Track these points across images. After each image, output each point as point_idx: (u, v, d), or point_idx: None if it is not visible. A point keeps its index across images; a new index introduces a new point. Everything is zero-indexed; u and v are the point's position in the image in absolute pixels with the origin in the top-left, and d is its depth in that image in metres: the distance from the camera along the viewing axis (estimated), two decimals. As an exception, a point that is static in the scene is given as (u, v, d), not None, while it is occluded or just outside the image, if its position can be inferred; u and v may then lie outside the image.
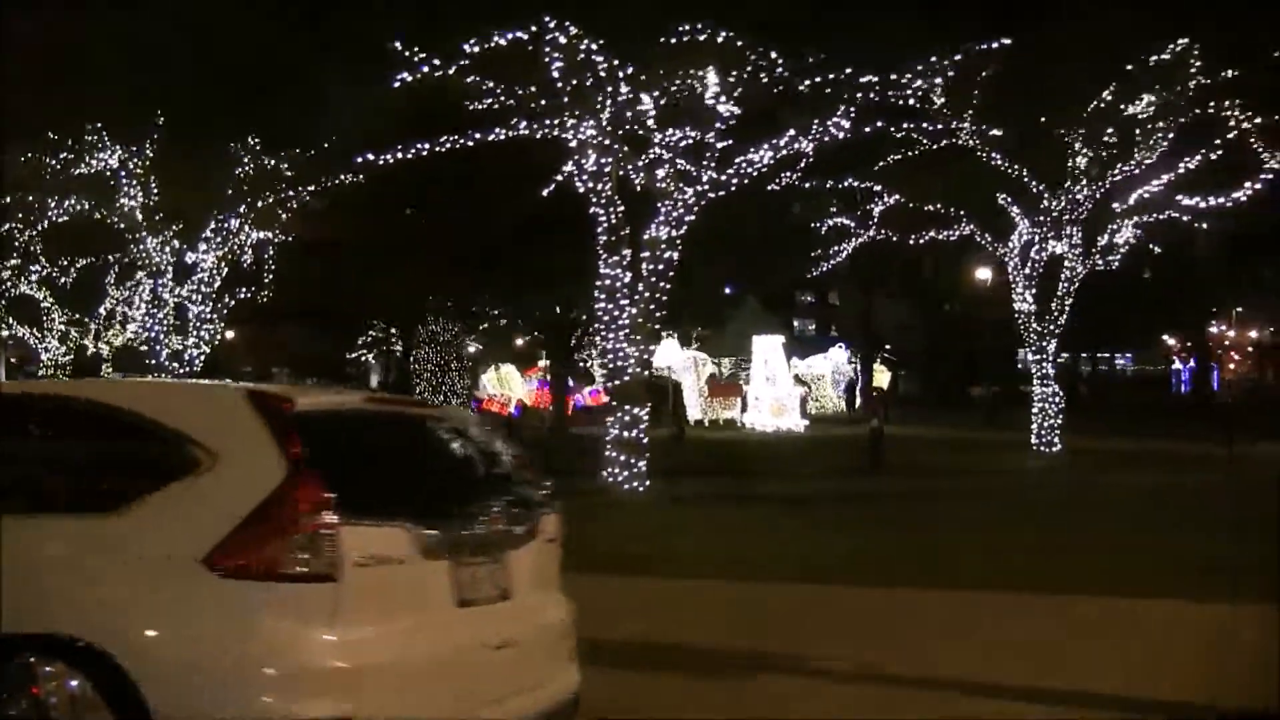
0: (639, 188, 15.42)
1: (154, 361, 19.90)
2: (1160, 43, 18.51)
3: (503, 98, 14.93)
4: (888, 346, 55.63)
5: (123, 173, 19.34)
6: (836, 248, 23.38)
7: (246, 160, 19.13)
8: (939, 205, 21.89)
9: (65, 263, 26.07)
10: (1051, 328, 21.81)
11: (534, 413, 36.05)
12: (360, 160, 15.53)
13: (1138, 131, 19.83)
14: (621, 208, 15.16)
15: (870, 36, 15.74)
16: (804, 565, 9.33)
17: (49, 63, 18.17)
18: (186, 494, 4.26)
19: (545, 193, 18.01)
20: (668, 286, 15.49)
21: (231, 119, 18.61)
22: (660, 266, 15.29)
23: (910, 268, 45.64)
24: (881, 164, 20.77)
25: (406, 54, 14.45)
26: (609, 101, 14.62)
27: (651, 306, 15.47)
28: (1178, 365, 53.35)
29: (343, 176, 20.08)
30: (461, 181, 21.68)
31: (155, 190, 19.52)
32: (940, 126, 19.29)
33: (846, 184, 21.74)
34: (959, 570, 9.00)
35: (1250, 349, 45.44)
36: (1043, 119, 19.94)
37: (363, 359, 46.12)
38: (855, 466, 19.14)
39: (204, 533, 4.11)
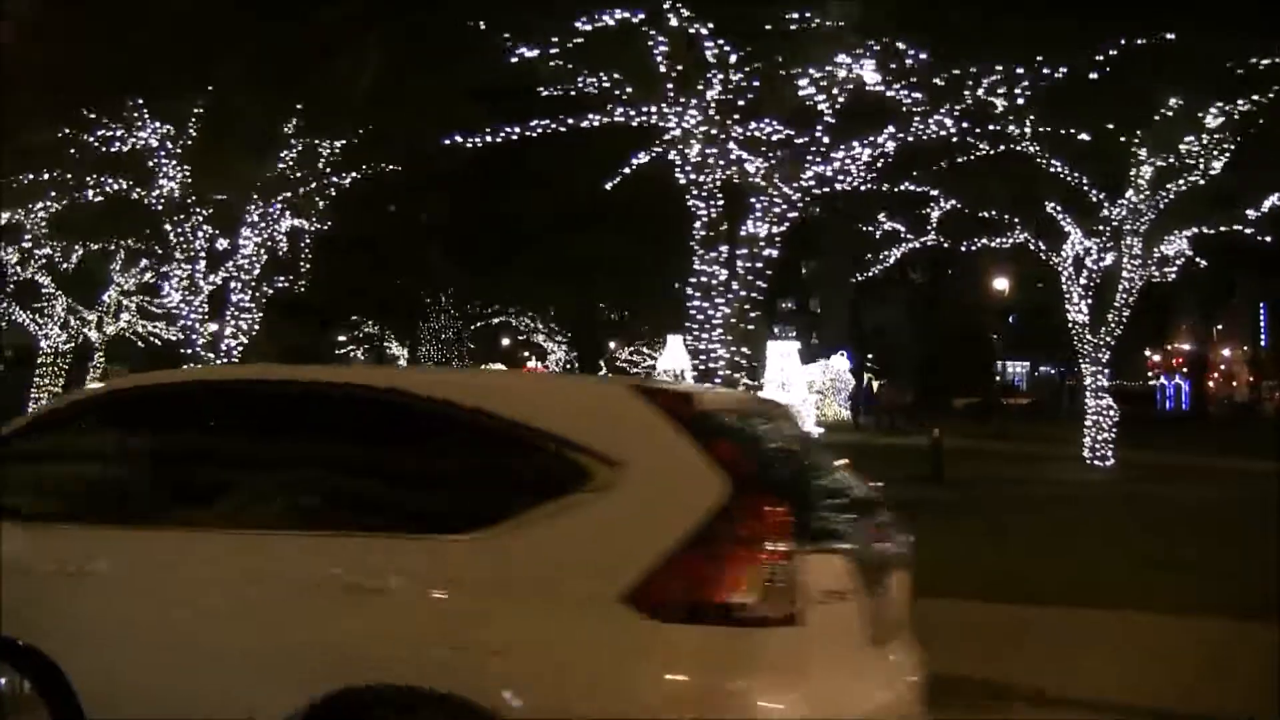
0: (733, 180, 14.77)
1: (190, 351, 18.82)
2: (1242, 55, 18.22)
3: (600, 83, 14.27)
4: (869, 355, 55.57)
5: (162, 151, 18.27)
6: (885, 253, 22.90)
7: (294, 141, 18.17)
8: (995, 212, 21.50)
9: (79, 247, 24.78)
10: (1107, 339, 21.49)
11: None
12: (449, 142, 14.68)
13: (1205, 140, 19.56)
14: (721, 201, 14.51)
15: (978, 34, 15.20)
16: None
17: (87, 33, 17.15)
18: (580, 512, 3.49)
19: (609, 185, 17.46)
20: (764, 285, 14.89)
21: (283, 96, 17.66)
22: (759, 264, 14.67)
23: (899, 272, 45.34)
24: (937, 167, 20.30)
25: (505, 37, 13.78)
26: (717, 89, 13.97)
27: (746, 306, 14.85)
28: (1162, 381, 53.85)
29: (384, 165, 19.41)
30: (508, 172, 20.95)
31: (187, 172, 18.47)
32: (1001, 129, 18.86)
33: (901, 187, 21.23)
34: (1102, 586, 8.51)
35: (1243, 364, 45.92)
36: (1109, 126, 19.60)
37: (351, 355, 44.86)
38: (915, 476, 18.64)
39: (617, 561, 3.37)
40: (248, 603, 3.76)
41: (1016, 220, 21.76)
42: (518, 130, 14.67)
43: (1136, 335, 57.36)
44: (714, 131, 14.04)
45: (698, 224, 14.64)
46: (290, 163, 18.42)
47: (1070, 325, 22.01)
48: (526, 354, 53.32)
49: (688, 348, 15.20)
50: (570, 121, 14.63)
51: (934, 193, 21.35)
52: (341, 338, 49.36)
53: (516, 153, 18.33)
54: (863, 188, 19.83)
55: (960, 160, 19.80)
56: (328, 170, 18.63)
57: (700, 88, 13.98)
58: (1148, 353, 55.59)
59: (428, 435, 3.94)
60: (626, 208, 20.68)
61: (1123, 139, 19.74)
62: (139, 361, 39.37)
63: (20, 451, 4.65)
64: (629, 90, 14.27)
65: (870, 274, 23.49)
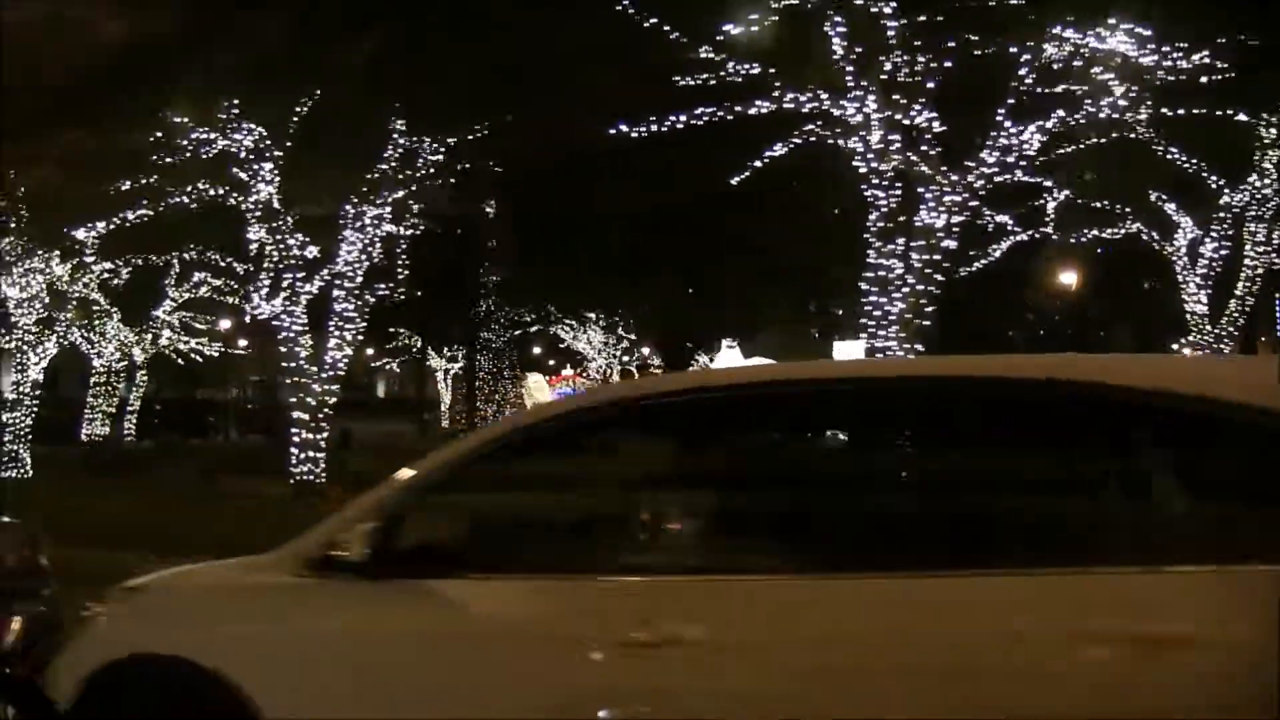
0: (909, 168, 13.93)
1: (293, 365, 17.77)
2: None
3: (769, 70, 13.43)
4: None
5: (257, 155, 17.27)
6: (993, 247, 22.06)
7: (400, 140, 17.21)
8: (1108, 202, 20.76)
9: (139, 261, 23.66)
10: (1231, 330, 20.79)
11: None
12: (614, 131, 13.74)
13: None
14: (899, 191, 13.66)
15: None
16: None
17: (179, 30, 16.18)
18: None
19: (735, 181, 16.57)
20: (941, 279, 14.05)
21: (391, 92, 16.72)
22: (936, 257, 13.83)
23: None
24: (1052, 155, 19.52)
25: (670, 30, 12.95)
26: (901, 72, 13.14)
27: (922, 301, 14.00)
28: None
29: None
30: (607, 168, 20.08)
31: (277, 174, 17.48)
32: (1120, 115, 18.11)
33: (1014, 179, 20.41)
34: None
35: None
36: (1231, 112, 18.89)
37: (386, 367, 43.69)
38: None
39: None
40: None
41: (1128, 210, 21.01)
42: (683, 119, 13.75)
43: (1153, 332, 57.33)
44: (898, 116, 13.19)
45: (874, 214, 13.81)
46: (395, 162, 17.45)
47: (1189, 316, 21.28)
48: (552, 362, 52.19)
49: (866, 346, 14.29)
50: (738, 109, 13.72)
51: (1048, 183, 20.53)
52: (369, 350, 48.28)
53: (620, 148, 17.47)
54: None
55: (1070, 148, 19.10)
56: (430, 169, 17.66)
57: (882, 68, 13.14)
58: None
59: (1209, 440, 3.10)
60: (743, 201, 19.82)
61: (1248, 120, 19.07)
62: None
63: (451, 487, 3.77)
64: (792, 76, 13.43)
65: (973, 269, 22.62)
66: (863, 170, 13.54)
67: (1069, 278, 32.79)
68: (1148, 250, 21.96)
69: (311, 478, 17.36)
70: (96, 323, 26.23)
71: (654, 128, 13.73)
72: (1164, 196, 20.59)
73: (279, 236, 17.62)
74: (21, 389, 22.93)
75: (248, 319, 27.70)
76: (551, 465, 3.85)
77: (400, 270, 18.85)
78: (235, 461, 25.46)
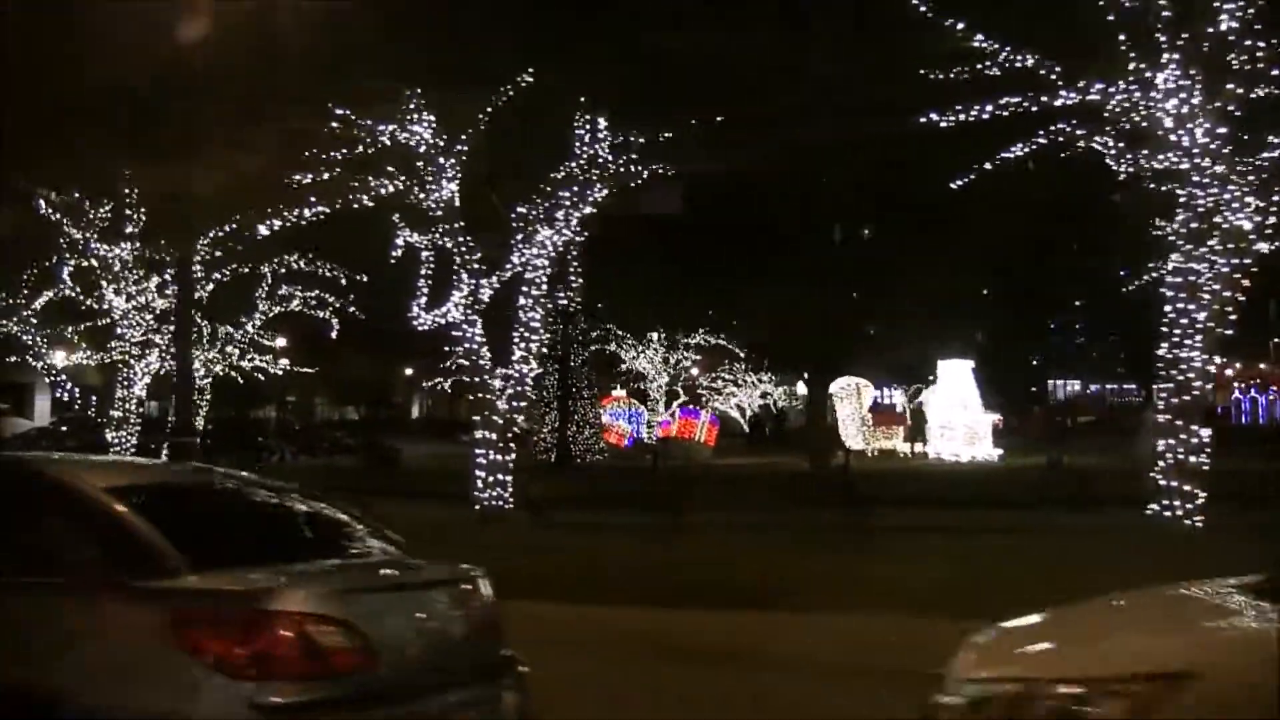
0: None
1: (477, 379, 16.32)
2: None
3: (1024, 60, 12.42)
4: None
5: (441, 150, 15.93)
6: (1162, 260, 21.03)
7: (590, 135, 15.93)
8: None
9: (233, 271, 22.13)
10: None
11: (680, 445, 32.86)
12: (924, 119, 12.58)
13: None
14: (1215, 189, 12.56)
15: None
16: None
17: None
18: None
19: (958, 183, 15.44)
20: (1248, 285, 12.96)
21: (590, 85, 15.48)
22: (1245, 260, 12.75)
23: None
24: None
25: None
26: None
27: (1227, 309, 12.92)
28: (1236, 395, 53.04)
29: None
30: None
31: (459, 173, 16.16)
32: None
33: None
34: None
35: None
36: None
37: (438, 387, 41.92)
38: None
39: None
40: None
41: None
42: (974, 111, 12.60)
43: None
44: (1228, 106, 12.12)
45: (1181, 216, 12.73)
46: (588, 159, 16.13)
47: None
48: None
49: (1166, 358, 13.09)
50: (1043, 99, 12.62)
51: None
52: (409, 370, 46.66)
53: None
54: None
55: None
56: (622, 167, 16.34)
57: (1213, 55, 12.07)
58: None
59: None
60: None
61: None
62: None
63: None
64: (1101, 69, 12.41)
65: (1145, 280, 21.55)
66: (1184, 167, 12.45)
67: None
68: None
69: (500, 504, 15.89)
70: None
71: (962, 116, 12.56)
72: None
73: (457, 240, 16.20)
74: (127, 406, 21.33)
75: (333, 333, 26.42)
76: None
77: (574, 277, 17.50)
78: (337, 483, 23.82)
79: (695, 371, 46.03)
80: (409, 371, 45.53)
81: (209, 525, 5.38)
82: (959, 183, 15.04)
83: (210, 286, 22.71)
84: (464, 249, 16.25)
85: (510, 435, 16.29)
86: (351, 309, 24.42)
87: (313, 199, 16.09)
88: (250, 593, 4.50)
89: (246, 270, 22.86)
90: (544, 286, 16.62)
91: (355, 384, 44.32)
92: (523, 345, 16.54)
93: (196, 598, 4.49)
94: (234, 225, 17.62)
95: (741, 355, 41.80)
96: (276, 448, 35.58)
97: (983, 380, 31.00)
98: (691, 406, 38.25)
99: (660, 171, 16.37)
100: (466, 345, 16.41)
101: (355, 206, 15.95)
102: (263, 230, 16.43)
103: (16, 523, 5.08)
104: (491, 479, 16.01)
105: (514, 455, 16.33)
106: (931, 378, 43.51)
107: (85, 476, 5.43)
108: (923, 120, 12.66)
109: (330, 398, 46.98)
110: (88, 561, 4.73)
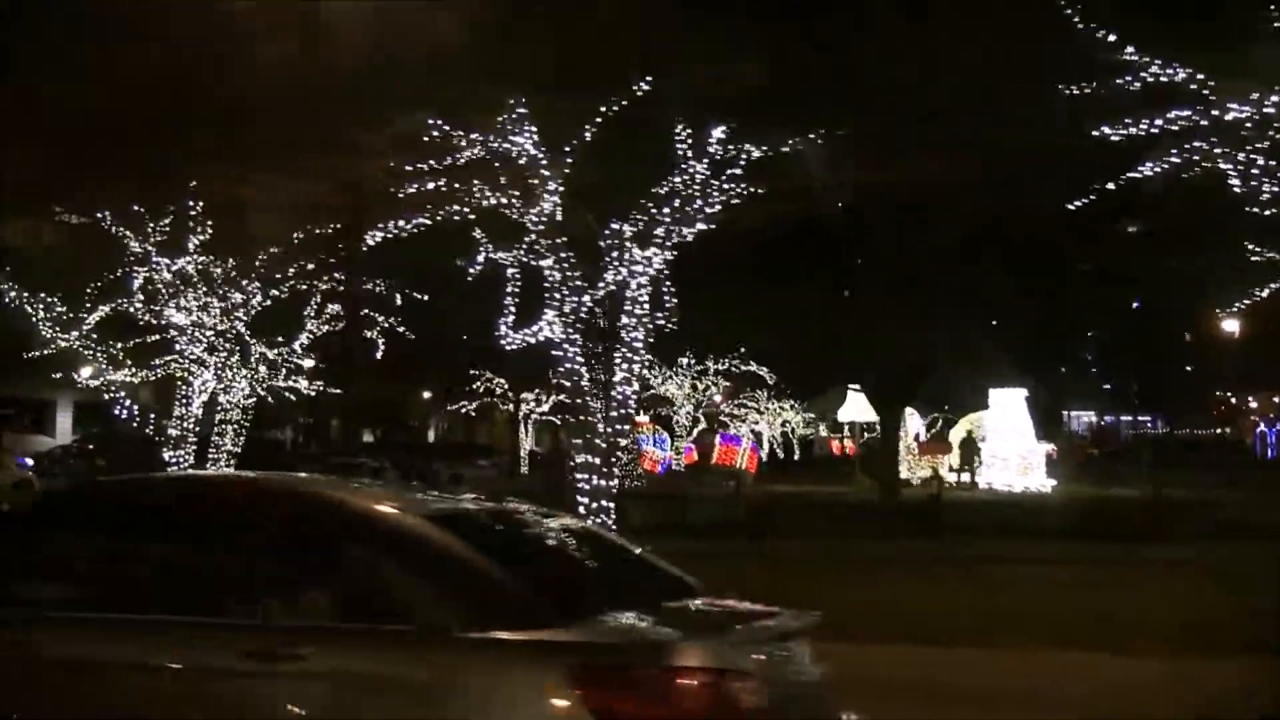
0: None
1: (579, 401, 15.64)
2: None
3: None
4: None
5: (545, 161, 15.32)
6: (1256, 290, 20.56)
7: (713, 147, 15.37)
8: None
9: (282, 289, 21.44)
10: None
11: (721, 471, 32.17)
12: (1096, 133, 12.04)
13: None
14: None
15: None
16: None
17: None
18: None
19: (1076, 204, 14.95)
20: None
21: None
22: None
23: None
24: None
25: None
26: None
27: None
28: (1262, 429, 52.86)
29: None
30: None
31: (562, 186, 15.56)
32: None
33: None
34: None
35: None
36: None
37: (465, 411, 41.17)
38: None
39: None
40: None
41: None
42: (1143, 124, 12.09)
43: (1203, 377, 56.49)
44: None
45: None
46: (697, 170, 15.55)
47: None
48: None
49: None
50: (1214, 113, 12.10)
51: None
52: (426, 394, 45.89)
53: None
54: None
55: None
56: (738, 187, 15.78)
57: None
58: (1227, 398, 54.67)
59: None
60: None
61: None
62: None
63: None
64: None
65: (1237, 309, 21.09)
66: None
67: None
68: None
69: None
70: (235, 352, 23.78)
71: (1133, 129, 12.04)
72: None
73: (560, 256, 15.57)
74: (186, 424, 20.57)
75: (377, 353, 25.71)
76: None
77: (669, 296, 16.86)
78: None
79: (718, 398, 45.49)
80: (427, 394, 44.68)
81: (536, 563, 4.76)
82: (1076, 204, 14.66)
83: (267, 302, 22.07)
84: (566, 265, 15.61)
85: (614, 459, 15.63)
86: (401, 328, 23.80)
87: (411, 211, 15.47)
88: (662, 646, 3.91)
89: (304, 287, 22.18)
90: (646, 306, 16.00)
91: (374, 406, 43.47)
92: (625, 366, 15.87)
93: (600, 653, 3.87)
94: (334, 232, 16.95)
95: (770, 382, 41.30)
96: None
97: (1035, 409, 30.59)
98: (734, 433, 37.65)
99: (755, 193, 15.88)
100: (567, 365, 15.73)
101: (457, 219, 15.33)
102: (369, 241, 15.74)
103: (313, 562, 4.40)
104: (595, 505, 15.33)
105: (616, 481, 15.67)
106: (947, 407, 43.16)
107: (403, 506, 4.79)
108: (1095, 134, 12.10)
109: (346, 419, 46.03)
110: (429, 606, 4.07)
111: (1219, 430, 57.00)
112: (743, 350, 38.98)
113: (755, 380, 41.56)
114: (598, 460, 15.45)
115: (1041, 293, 30.33)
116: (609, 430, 15.66)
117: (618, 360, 15.92)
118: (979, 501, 24.90)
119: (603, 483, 15.40)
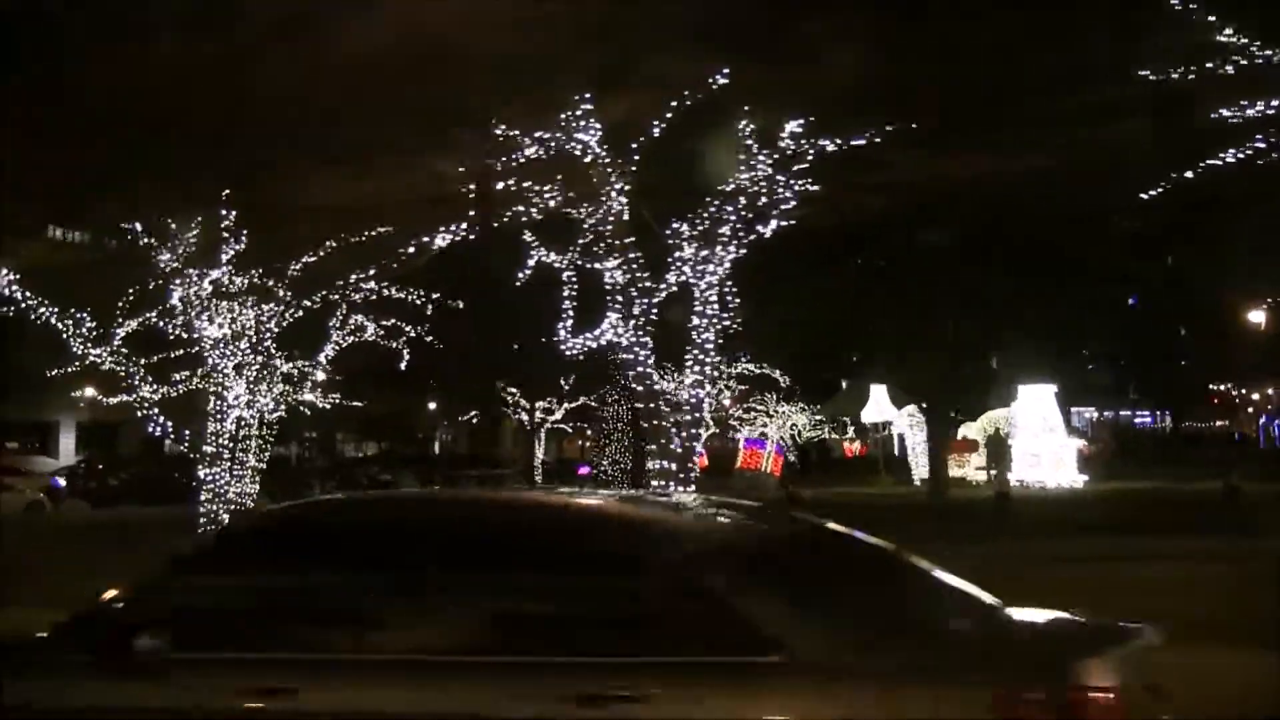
0: None
1: (650, 405, 15.12)
2: None
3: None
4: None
5: (607, 161, 14.86)
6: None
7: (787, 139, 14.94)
8: None
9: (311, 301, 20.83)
10: None
11: (746, 476, 31.72)
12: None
13: None
14: None
15: None
16: None
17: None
18: None
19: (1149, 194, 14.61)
20: None
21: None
22: None
23: None
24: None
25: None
26: None
27: None
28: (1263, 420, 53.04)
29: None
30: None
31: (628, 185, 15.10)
32: None
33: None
34: None
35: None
36: None
37: (474, 421, 40.49)
38: None
39: None
40: None
41: None
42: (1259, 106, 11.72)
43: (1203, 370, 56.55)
44: None
45: None
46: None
47: None
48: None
49: None
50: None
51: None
52: (431, 404, 45.17)
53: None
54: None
55: None
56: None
57: None
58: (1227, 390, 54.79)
59: None
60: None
61: None
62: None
63: None
64: None
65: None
66: None
67: None
68: None
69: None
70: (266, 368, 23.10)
71: (1249, 111, 11.67)
72: None
73: (632, 254, 15.09)
74: (220, 441, 19.89)
75: (402, 364, 25.09)
76: None
77: (731, 298, 16.40)
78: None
79: (727, 402, 44.96)
80: (432, 405, 44.00)
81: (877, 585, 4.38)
82: (1149, 194, 14.32)
83: (299, 314, 21.42)
84: (635, 266, 15.12)
85: (690, 466, 15.13)
86: (429, 338, 23.20)
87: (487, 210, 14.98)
88: (1070, 664, 3.55)
89: (335, 297, 21.54)
90: (716, 306, 15.53)
91: (380, 419, 42.75)
92: (696, 369, 15.41)
93: (1017, 675, 3.53)
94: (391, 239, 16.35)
95: (783, 385, 40.78)
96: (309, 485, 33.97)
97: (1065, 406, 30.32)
98: (758, 437, 37.13)
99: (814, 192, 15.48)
100: (639, 369, 15.23)
101: (524, 220, 14.82)
102: (440, 243, 15.21)
103: (640, 590, 3.89)
104: (672, 514, 14.82)
105: (694, 486, 15.16)
106: (957, 413, 42.86)
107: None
108: (1213, 116, 11.73)
109: (350, 432, 45.35)
110: (804, 635, 3.62)
111: (1221, 424, 57.31)
112: (753, 352, 38.45)
113: (767, 383, 41.12)
114: (674, 466, 14.97)
115: (1050, 291, 30.08)
116: (684, 435, 15.19)
117: (688, 362, 15.45)
118: (1033, 499, 24.45)
119: (680, 489, 14.90)
